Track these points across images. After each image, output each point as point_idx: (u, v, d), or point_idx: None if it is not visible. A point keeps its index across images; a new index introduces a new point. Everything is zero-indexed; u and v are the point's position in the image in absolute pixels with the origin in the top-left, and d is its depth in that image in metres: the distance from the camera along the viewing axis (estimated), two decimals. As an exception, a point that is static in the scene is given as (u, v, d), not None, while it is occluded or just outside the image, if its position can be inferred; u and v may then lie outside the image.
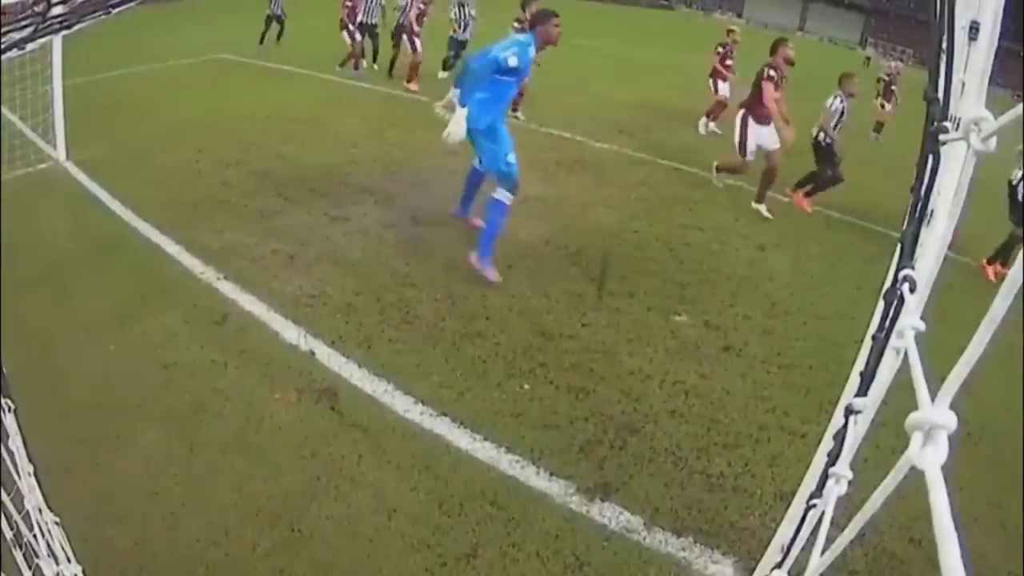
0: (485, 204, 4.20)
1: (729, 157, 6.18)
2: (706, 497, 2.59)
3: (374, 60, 10.24)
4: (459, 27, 9.69)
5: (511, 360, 3.34)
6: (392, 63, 9.82)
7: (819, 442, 1.33)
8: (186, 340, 3.27)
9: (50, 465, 1.46)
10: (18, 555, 1.18)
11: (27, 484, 1.24)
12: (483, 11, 9.94)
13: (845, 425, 0.94)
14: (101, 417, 2.72)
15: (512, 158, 4.03)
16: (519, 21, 8.47)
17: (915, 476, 0.41)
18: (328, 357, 3.23)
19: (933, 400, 0.41)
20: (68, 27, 1.61)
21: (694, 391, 3.26)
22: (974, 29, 0.97)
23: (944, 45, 0.94)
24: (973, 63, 0.97)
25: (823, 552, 0.60)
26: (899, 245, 0.94)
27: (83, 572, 1.26)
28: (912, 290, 0.75)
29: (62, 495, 1.41)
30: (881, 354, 0.94)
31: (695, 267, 4.67)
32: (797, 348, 3.79)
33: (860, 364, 1.07)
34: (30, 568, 1.18)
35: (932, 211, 0.98)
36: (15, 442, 1.28)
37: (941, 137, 0.86)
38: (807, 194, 6.31)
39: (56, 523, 1.27)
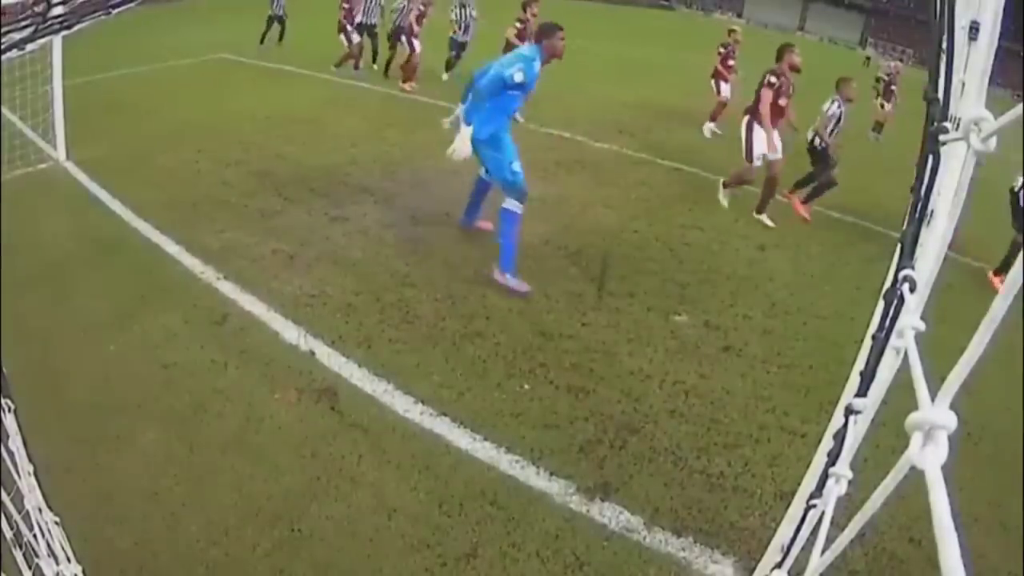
0: (498, 216, 4.12)
1: (735, 171, 6.09)
2: (706, 497, 2.60)
3: (374, 60, 10.24)
4: (459, 28, 9.66)
5: (511, 360, 3.34)
6: (388, 64, 9.83)
7: (819, 442, 1.33)
8: (186, 340, 3.28)
9: (50, 465, 1.47)
10: (18, 555, 1.18)
11: (27, 484, 1.24)
12: (483, 11, 9.94)
13: (845, 425, 0.94)
14: (101, 417, 2.72)
15: (517, 166, 4.00)
16: (520, 21, 8.49)
17: (915, 476, 0.42)
18: (328, 357, 3.23)
19: (933, 400, 0.41)
20: (68, 27, 1.61)
21: (694, 391, 3.26)
22: (974, 29, 0.97)
23: (944, 45, 0.94)
24: (973, 63, 0.97)
25: (823, 552, 0.60)
26: (899, 245, 0.94)
27: (83, 572, 1.26)
28: (912, 290, 0.75)
29: (62, 495, 1.41)
30: (881, 354, 0.94)
31: (695, 267, 4.68)
32: (797, 348, 3.79)
33: (860, 364, 1.07)
34: (30, 568, 1.18)
35: (932, 211, 0.98)
36: (15, 442, 1.28)
37: (941, 137, 0.86)
38: (804, 201, 6.26)
39: (56, 523, 1.27)
